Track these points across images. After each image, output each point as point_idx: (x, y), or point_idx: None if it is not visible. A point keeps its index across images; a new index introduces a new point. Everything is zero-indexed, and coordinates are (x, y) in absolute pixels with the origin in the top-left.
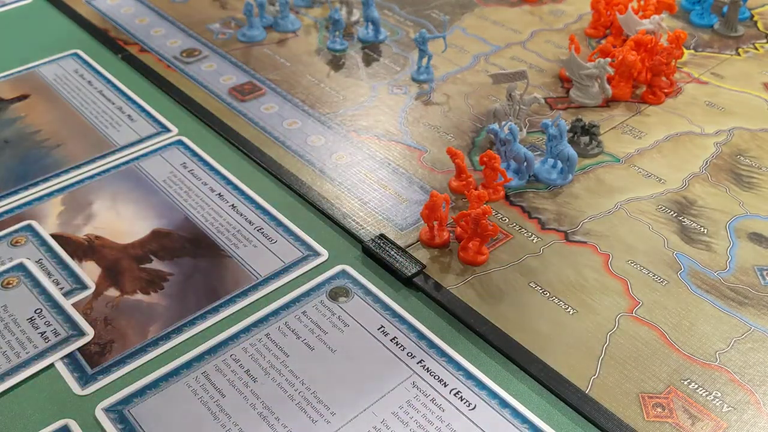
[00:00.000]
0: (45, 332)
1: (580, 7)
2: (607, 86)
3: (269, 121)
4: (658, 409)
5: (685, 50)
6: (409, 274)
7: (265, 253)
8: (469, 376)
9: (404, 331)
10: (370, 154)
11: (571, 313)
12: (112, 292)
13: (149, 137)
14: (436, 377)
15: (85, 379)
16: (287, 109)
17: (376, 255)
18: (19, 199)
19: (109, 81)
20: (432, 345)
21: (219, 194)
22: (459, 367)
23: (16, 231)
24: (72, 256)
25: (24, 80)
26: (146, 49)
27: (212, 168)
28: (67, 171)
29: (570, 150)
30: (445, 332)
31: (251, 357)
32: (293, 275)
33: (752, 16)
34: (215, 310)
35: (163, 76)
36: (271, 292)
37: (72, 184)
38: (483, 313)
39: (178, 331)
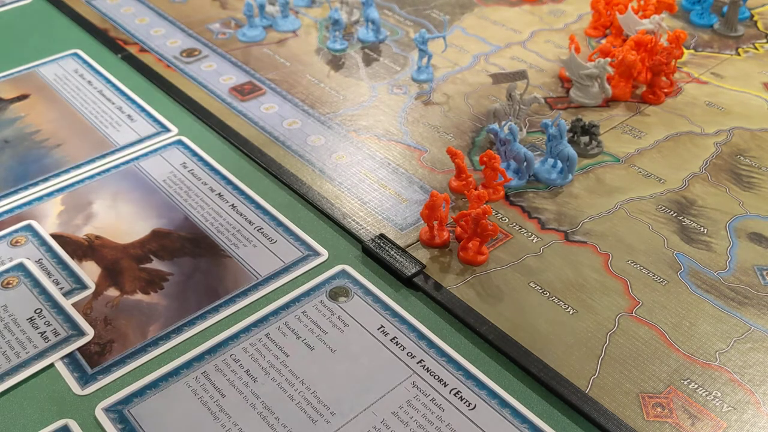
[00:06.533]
0: (45, 332)
1: (580, 7)
2: (607, 86)
3: (269, 121)
4: (658, 409)
5: (685, 50)
6: (409, 274)
7: (265, 253)
8: (469, 376)
9: (404, 331)
10: (370, 154)
11: (571, 312)
12: (112, 292)
13: (149, 137)
14: (436, 377)
15: (85, 379)
16: (287, 109)
17: (376, 255)
18: (19, 199)
19: (109, 81)
20: (432, 345)
21: (219, 194)
22: (459, 367)
23: (16, 231)
24: (72, 256)
25: (24, 80)
26: (146, 48)
27: (212, 168)
28: (67, 171)
29: (570, 150)
30: (445, 332)
31: (251, 357)
32: (293, 275)
33: (752, 16)
34: (215, 310)
35: (163, 76)
36: (271, 292)
37: (72, 184)
38: (483, 312)
39: (178, 331)
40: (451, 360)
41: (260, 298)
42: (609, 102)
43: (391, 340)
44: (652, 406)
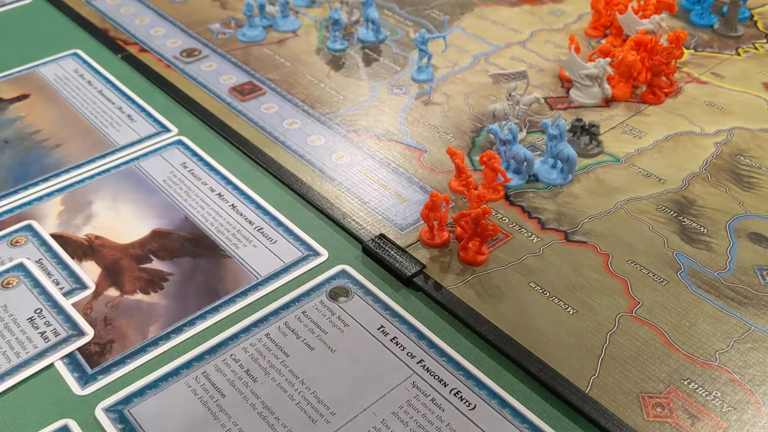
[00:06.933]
0: (45, 332)
1: (580, 7)
2: (607, 86)
3: (269, 121)
4: (658, 409)
5: (685, 50)
6: (409, 274)
7: (265, 253)
8: (469, 376)
9: (404, 331)
10: (370, 154)
11: (570, 312)
12: (112, 292)
13: (149, 137)
14: (436, 377)
15: (85, 379)
16: (287, 109)
17: (376, 255)
18: (19, 199)
19: (108, 81)
20: (432, 345)
21: (219, 194)
22: (459, 367)
23: (16, 231)
24: (72, 256)
25: (24, 80)
26: (146, 48)
27: (212, 168)
28: (67, 171)
29: (570, 150)
30: (445, 332)
31: (251, 357)
32: (293, 275)
33: (752, 16)
34: (215, 310)
35: (163, 76)
36: (271, 292)
37: (72, 184)
38: (483, 312)
39: (178, 331)
40: (451, 360)
41: (260, 298)
42: (609, 102)
43: (391, 340)
44: (652, 406)
